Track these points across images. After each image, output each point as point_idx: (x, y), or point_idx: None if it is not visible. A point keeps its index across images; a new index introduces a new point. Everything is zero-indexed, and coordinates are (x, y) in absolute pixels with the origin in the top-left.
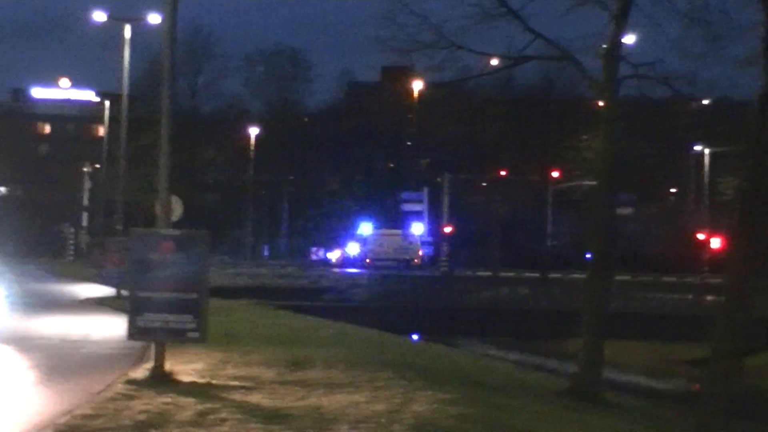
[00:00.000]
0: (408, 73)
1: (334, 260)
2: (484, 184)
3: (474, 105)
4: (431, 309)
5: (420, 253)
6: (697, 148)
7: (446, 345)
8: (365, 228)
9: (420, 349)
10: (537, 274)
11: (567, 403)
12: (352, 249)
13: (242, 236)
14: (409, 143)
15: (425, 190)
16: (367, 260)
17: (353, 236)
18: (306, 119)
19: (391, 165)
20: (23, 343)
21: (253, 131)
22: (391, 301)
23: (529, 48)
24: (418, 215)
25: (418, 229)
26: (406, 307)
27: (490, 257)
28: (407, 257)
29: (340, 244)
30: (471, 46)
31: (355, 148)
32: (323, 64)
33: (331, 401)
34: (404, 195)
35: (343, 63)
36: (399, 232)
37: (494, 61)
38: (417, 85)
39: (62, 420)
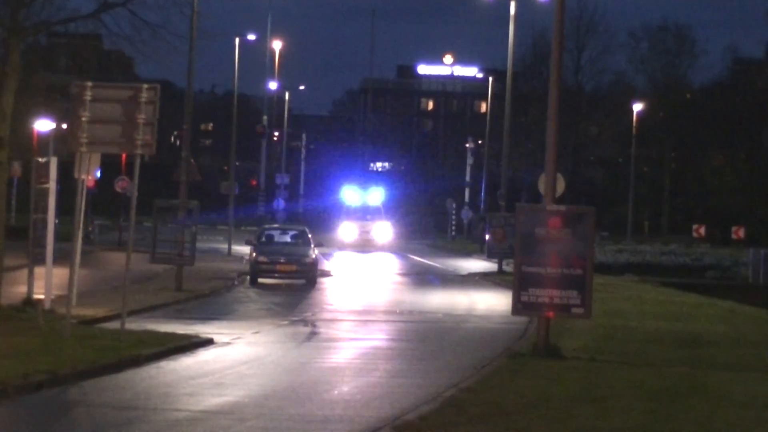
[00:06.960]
0: None
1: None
2: None
3: None
4: None
5: None
6: None
7: None
8: None
9: None
10: None
11: None
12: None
13: (623, 212)
14: None
15: None
16: None
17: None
18: (689, 95)
19: None
20: (411, 317)
21: (636, 107)
22: None
23: None
24: None
25: None
26: None
27: None
28: None
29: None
30: None
31: (739, 124)
32: (708, 40)
33: (717, 379)
34: None
35: (728, 38)
36: None
37: None
38: None
39: (448, 393)
